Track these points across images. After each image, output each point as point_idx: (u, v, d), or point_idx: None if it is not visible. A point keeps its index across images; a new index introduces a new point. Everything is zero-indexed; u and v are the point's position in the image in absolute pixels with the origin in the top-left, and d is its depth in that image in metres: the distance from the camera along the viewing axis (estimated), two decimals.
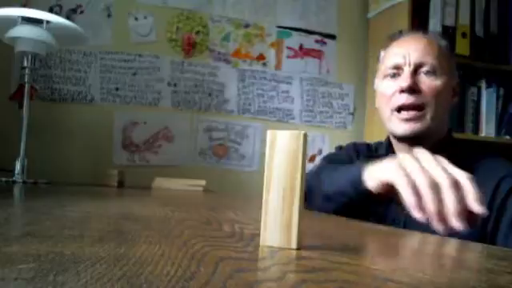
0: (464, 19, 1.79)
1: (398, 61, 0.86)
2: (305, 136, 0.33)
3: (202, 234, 0.40)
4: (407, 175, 0.56)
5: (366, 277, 0.27)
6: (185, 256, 0.28)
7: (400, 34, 0.95)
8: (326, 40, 1.98)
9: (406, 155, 0.61)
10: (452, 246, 0.45)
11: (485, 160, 0.82)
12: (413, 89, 0.81)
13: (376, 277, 0.27)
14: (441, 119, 0.85)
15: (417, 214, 0.53)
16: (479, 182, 0.74)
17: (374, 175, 0.66)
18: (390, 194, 0.62)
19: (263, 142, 1.80)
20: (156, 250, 0.29)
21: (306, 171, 0.57)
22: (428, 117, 0.82)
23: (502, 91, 1.87)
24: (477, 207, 0.50)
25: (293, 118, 1.91)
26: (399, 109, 0.83)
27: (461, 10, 1.79)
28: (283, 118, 1.89)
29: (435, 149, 0.80)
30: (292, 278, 0.24)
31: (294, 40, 1.93)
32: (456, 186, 0.53)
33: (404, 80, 0.82)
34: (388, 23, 1.83)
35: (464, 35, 1.78)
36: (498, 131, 1.85)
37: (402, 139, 0.86)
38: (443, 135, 0.87)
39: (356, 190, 0.70)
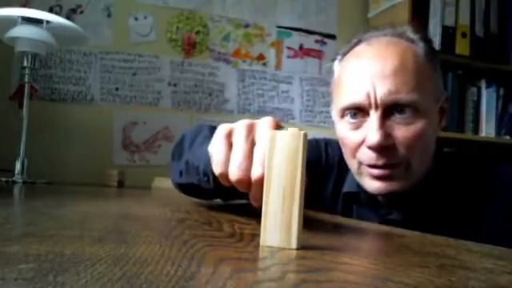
0: (464, 19, 1.79)
1: (359, 100, 0.62)
2: (305, 135, 0.33)
3: (202, 234, 0.40)
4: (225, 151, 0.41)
5: (366, 277, 0.27)
6: (185, 256, 0.28)
7: (359, 41, 0.70)
8: (326, 40, 1.98)
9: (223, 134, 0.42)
10: (452, 245, 0.45)
11: (498, 178, 0.68)
12: (384, 146, 0.60)
13: (376, 277, 0.27)
14: (424, 164, 0.66)
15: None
16: (497, 199, 0.64)
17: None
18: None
19: None
20: (156, 249, 0.29)
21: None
22: (407, 174, 0.63)
23: (501, 91, 1.87)
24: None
25: (293, 118, 1.91)
26: (368, 165, 0.63)
27: (461, 9, 1.79)
28: (283, 118, 1.89)
29: (422, 184, 0.66)
30: (292, 278, 0.24)
31: (294, 40, 1.93)
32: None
33: (371, 133, 0.61)
34: (388, 23, 1.83)
35: (464, 35, 1.78)
36: (498, 131, 1.85)
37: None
38: (428, 169, 0.67)
39: (206, 175, 0.51)
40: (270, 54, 1.90)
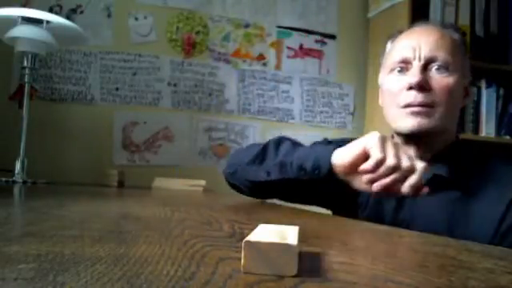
0: (464, 19, 1.79)
1: (407, 54, 0.78)
2: None
3: (201, 234, 0.40)
4: (383, 152, 0.63)
5: (366, 277, 0.27)
6: (185, 256, 0.28)
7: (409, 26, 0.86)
8: (326, 40, 1.98)
9: (385, 137, 0.66)
10: (452, 245, 0.45)
11: (498, 166, 0.78)
12: (422, 86, 0.74)
13: (376, 277, 0.27)
14: (451, 119, 0.79)
15: (366, 186, 0.65)
16: (493, 190, 0.74)
17: (347, 150, 0.68)
18: (348, 175, 0.68)
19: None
20: (156, 250, 0.29)
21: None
22: (437, 115, 0.75)
23: (501, 91, 1.87)
24: (406, 189, 0.62)
25: (293, 118, 1.91)
26: (406, 106, 0.76)
27: (461, 10, 1.79)
28: (283, 118, 1.89)
29: (443, 151, 0.78)
30: (292, 278, 0.24)
31: (294, 40, 1.93)
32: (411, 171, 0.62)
33: (413, 76, 0.75)
34: (388, 23, 1.83)
35: (464, 35, 1.78)
36: (498, 131, 1.85)
37: (409, 138, 0.79)
38: (452, 138, 0.81)
39: (317, 169, 0.71)
40: (270, 54, 1.90)
